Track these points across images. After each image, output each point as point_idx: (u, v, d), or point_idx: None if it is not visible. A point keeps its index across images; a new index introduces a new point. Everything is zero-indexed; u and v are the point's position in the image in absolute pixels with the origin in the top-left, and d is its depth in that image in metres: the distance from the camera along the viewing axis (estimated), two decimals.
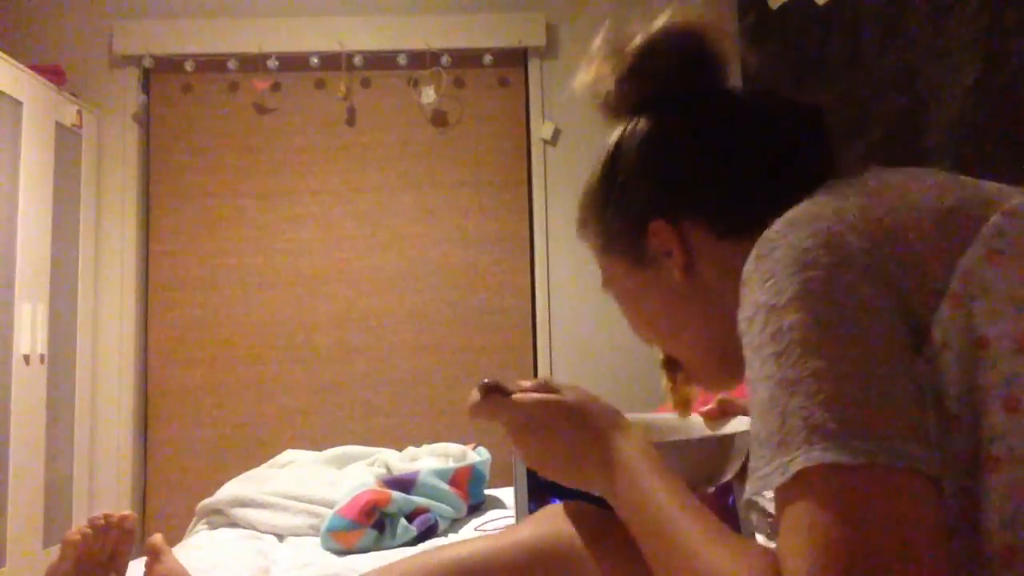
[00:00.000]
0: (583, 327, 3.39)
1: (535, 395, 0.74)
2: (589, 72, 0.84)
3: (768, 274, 0.58)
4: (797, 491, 0.51)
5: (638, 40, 0.81)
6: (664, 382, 0.90)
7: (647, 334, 0.85)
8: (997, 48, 1.87)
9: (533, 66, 3.46)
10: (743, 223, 0.73)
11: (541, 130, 3.43)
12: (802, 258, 0.57)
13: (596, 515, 0.83)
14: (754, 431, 0.56)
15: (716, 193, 0.76)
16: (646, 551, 0.63)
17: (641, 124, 0.80)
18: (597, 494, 0.71)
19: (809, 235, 0.58)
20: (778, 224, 0.62)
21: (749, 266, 0.61)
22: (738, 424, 0.92)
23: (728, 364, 0.79)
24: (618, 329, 3.39)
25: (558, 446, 0.72)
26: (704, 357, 0.81)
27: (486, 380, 0.76)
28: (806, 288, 0.56)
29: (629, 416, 0.77)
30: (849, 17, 2.56)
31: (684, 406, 0.93)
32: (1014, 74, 1.81)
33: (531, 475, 1.27)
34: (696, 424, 0.98)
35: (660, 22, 0.81)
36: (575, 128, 3.46)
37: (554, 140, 3.45)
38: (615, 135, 0.83)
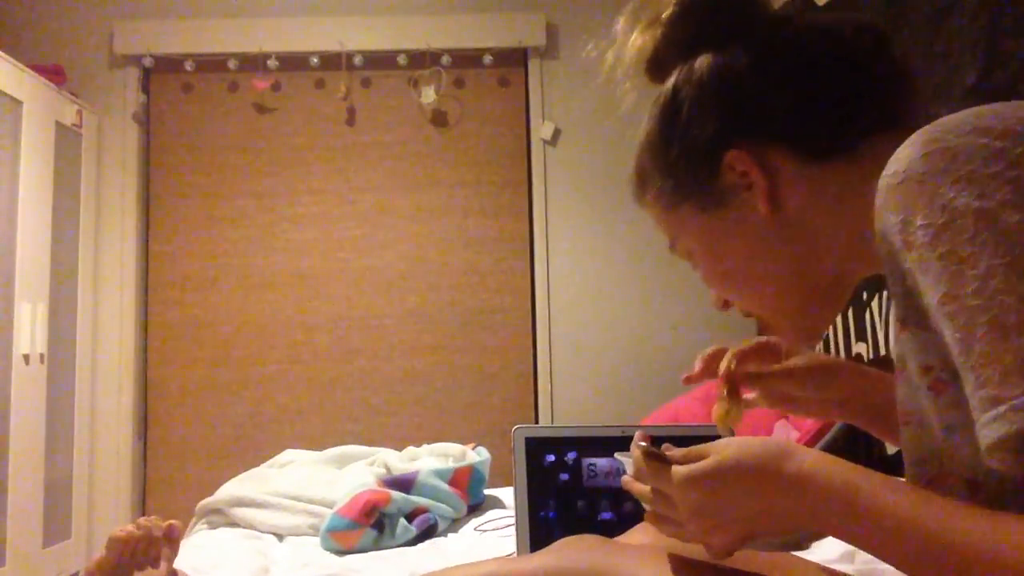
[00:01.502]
0: (583, 327, 3.39)
1: (691, 468, 0.66)
2: (628, 42, 0.79)
3: (957, 174, 0.52)
4: None
5: None
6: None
7: (728, 289, 0.78)
8: (997, 48, 1.87)
9: (533, 66, 3.46)
10: (834, 143, 0.68)
11: (541, 130, 3.43)
12: (1007, 154, 0.52)
13: (611, 547, 0.82)
14: (985, 352, 0.50)
15: (798, 111, 0.68)
16: (908, 567, 0.56)
17: (700, 60, 0.73)
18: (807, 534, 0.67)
19: (1004, 131, 0.53)
20: (947, 122, 0.55)
21: (916, 166, 0.54)
22: None
23: (818, 306, 0.74)
24: (618, 329, 3.39)
25: (744, 510, 0.64)
26: (791, 302, 0.74)
27: (643, 444, 0.71)
28: (1022, 187, 0.51)
29: None
30: None
31: (727, 423, 0.88)
32: (1014, 74, 1.81)
33: (530, 478, 1.27)
34: None
35: None
36: (575, 128, 3.45)
37: (554, 140, 3.44)
38: (669, 81, 0.76)
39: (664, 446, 0.70)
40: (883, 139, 0.63)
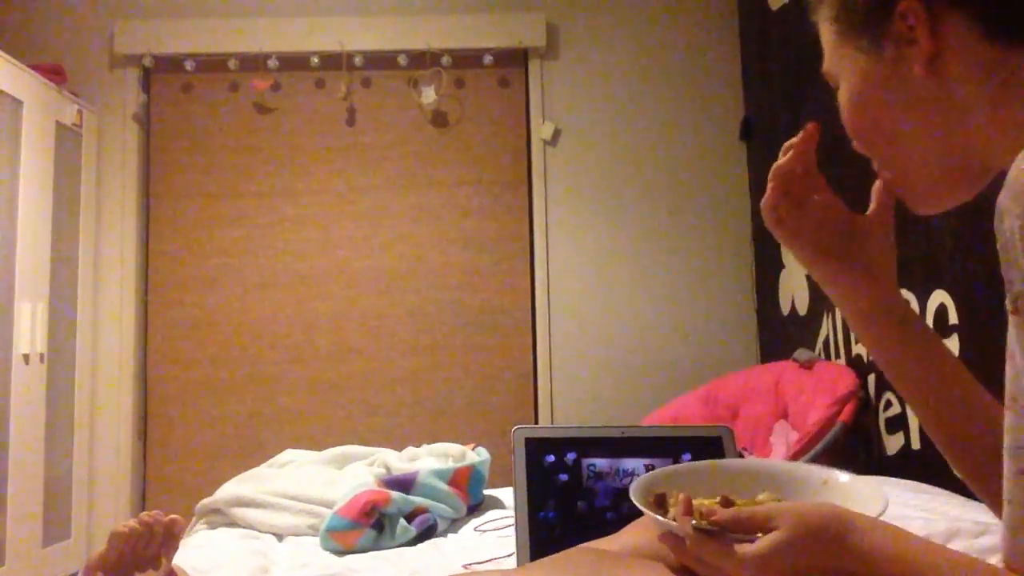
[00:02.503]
0: (583, 327, 3.39)
1: (757, 548, 0.66)
2: None
3: None
4: None
5: None
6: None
7: (865, 134, 0.74)
8: None
9: (533, 66, 3.46)
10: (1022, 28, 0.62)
11: (541, 130, 3.43)
12: None
13: (611, 560, 0.82)
14: None
15: None
16: None
17: None
18: None
19: None
20: None
21: None
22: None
23: (952, 183, 0.70)
24: (618, 330, 3.39)
25: (805, 573, 0.66)
26: (926, 169, 0.71)
27: (695, 523, 0.69)
28: None
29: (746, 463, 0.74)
30: None
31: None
32: None
33: (530, 478, 1.27)
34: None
35: None
36: (575, 128, 3.45)
37: (554, 140, 3.44)
38: None
39: (706, 510, 0.70)
40: None
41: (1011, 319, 0.56)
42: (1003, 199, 0.54)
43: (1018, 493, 0.56)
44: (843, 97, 0.74)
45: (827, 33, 0.75)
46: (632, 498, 0.78)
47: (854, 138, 0.76)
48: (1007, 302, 0.56)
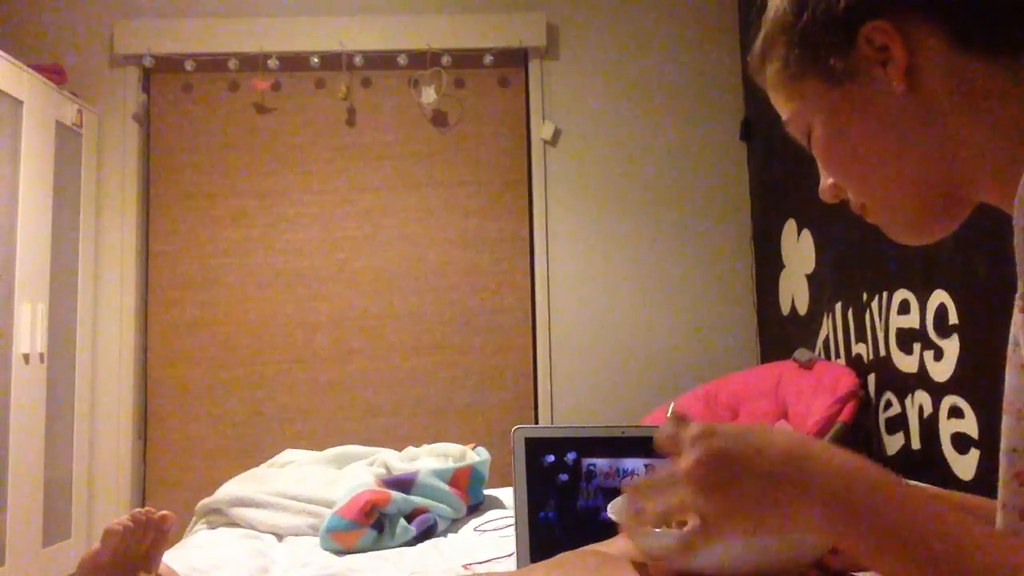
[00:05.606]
0: (583, 327, 3.39)
1: (716, 423, 0.58)
2: None
3: None
4: None
5: None
6: None
7: (844, 172, 0.71)
8: None
9: (533, 66, 3.46)
10: (996, 37, 0.59)
11: (541, 130, 3.43)
12: None
13: (612, 564, 0.81)
14: None
15: None
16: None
17: None
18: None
19: None
20: None
21: None
22: None
23: (934, 211, 0.68)
24: (618, 330, 3.39)
25: (757, 487, 0.55)
26: (908, 193, 0.68)
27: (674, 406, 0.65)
28: None
29: None
30: None
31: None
32: None
33: (530, 478, 1.27)
34: None
35: None
36: (575, 128, 3.45)
37: (554, 140, 3.44)
38: None
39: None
40: None
41: (1019, 317, 0.53)
42: (1022, 190, 0.52)
43: (1014, 498, 0.54)
44: (816, 137, 0.71)
45: (781, 84, 0.72)
46: (611, 516, 0.74)
47: (833, 176, 0.73)
48: (1017, 297, 0.54)
